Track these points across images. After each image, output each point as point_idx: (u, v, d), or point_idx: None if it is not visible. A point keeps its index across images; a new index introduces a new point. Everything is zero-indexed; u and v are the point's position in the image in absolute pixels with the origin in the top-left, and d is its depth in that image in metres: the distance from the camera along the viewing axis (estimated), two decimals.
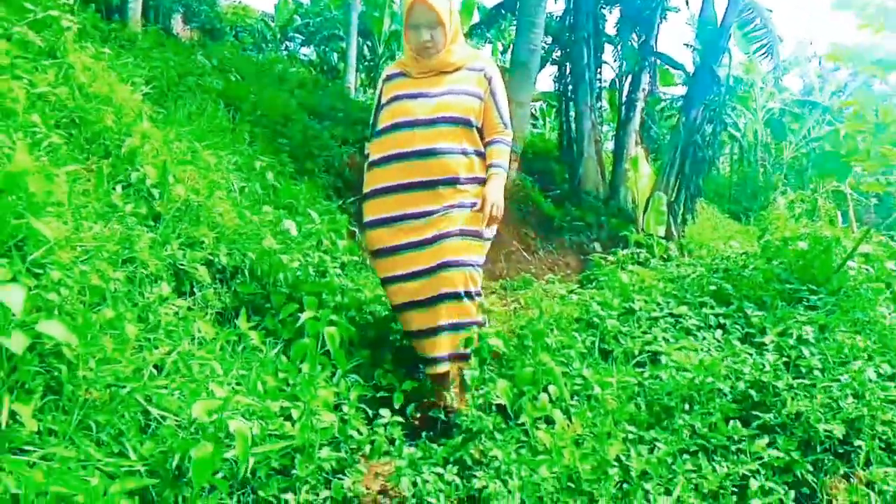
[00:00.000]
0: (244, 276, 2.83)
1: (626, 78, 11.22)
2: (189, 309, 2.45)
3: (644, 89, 10.99)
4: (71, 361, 1.61)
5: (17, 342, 1.43)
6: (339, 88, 12.66)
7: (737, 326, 2.83)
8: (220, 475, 1.74)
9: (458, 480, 1.90)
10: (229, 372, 2.08)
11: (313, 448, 2.04)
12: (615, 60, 11.45)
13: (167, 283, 2.39)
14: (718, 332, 2.83)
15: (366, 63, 18.03)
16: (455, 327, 2.52)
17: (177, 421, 1.79)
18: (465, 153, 2.59)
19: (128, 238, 2.25)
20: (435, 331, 2.53)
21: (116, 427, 1.67)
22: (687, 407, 2.31)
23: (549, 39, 11.44)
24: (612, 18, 11.63)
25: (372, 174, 2.68)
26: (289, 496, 1.91)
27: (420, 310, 2.57)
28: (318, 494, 1.97)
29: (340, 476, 2.03)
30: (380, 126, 2.68)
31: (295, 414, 2.11)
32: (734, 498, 1.97)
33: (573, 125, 10.46)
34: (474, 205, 2.59)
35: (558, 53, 11.16)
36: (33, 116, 2.46)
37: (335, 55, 18.62)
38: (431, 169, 2.55)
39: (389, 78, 2.76)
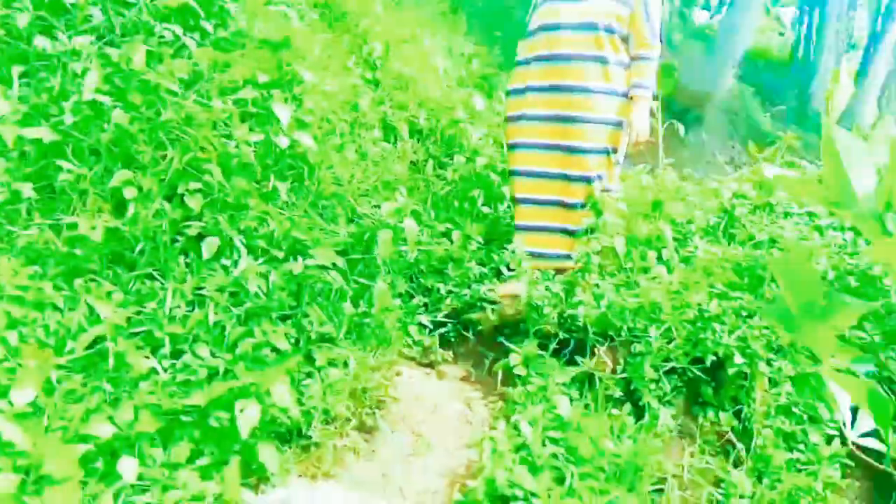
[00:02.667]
0: (435, 138, 3.56)
1: None
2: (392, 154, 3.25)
3: None
4: (310, 163, 2.45)
5: (282, 141, 2.27)
6: None
7: None
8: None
9: (562, 294, 2.51)
10: (411, 195, 2.86)
11: (463, 260, 2.77)
12: None
13: (379, 130, 3.19)
14: (849, 235, 3.01)
15: None
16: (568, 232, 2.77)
17: (371, 218, 2.60)
18: (601, 61, 2.65)
19: (355, 92, 3.05)
20: (539, 229, 2.82)
21: (335, 212, 2.51)
22: None
23: None
24: None
25: (515, 73, 2.88)
26: (441, 286, 2.68)
27: (537, 207, 2.82)
28: (462, 291, 2.71)
29: (479, 284, 2.74)
30: (530, 27, 2.83)
31: (456, 236, 2.86)
32: None
33: (814, 35, 9.63)
34: (619, 123, 2.72)
35: None
36: None
37: None
38: (565, 73, 2.68)
39: None
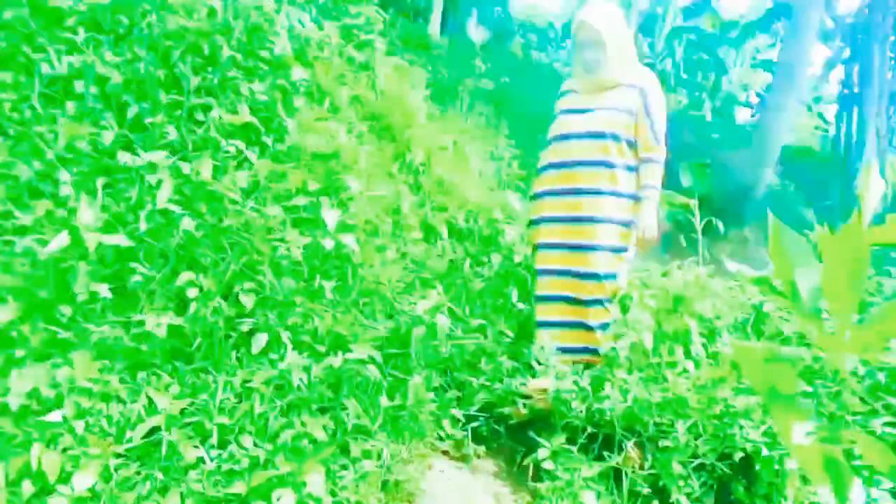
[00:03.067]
0: (473, 238, 3.77)
1: None
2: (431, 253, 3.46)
3: None
4: (354, 263, 2.66)
5: (328, 244, 2.50)
6: None
7: None
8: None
9: (588, 389, 2.58)
10: (448, 292, 3.03)
11: (496, 354, 2.88)
12: None
13: (419, 231, 3.42)
14: None
15: (644, 60, 18.15)
16: (574, 325, 2.89)
17: (408, 315, 2.77)
18: (608, 165, 2.88)
19: (397, 197, 3.30)
20: (557, 324, 2.93)
21: (375, 309, 2.69)
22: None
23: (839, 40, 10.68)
24: None
25: (537, 179, 3.16)
26: (473, 380, 2.79)
27: (553, 304, 2.96)
28: (494, 385, 2.81)
29: (511, 378, 2.84)
30: (548, 137, 3.12)
31: (489, 331, 2.99)
32: None
33: (854, 133, 9.73)
34: (627, 223, 2.91)
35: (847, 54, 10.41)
36: (350, 112, 3.66)
37: None
38: (575, 178, 2.93)
39: (562, 94, 3.17)
